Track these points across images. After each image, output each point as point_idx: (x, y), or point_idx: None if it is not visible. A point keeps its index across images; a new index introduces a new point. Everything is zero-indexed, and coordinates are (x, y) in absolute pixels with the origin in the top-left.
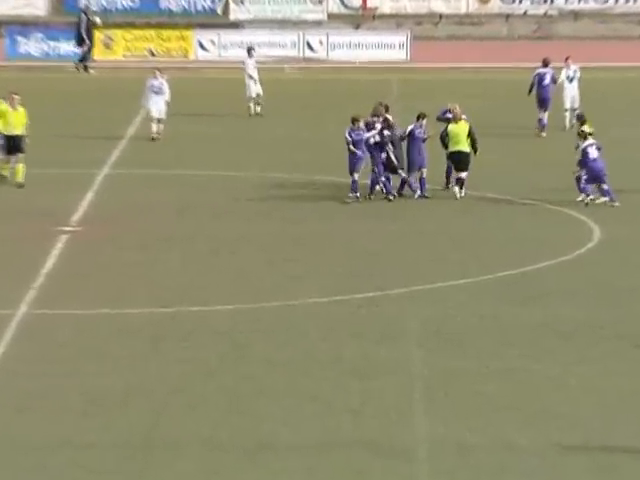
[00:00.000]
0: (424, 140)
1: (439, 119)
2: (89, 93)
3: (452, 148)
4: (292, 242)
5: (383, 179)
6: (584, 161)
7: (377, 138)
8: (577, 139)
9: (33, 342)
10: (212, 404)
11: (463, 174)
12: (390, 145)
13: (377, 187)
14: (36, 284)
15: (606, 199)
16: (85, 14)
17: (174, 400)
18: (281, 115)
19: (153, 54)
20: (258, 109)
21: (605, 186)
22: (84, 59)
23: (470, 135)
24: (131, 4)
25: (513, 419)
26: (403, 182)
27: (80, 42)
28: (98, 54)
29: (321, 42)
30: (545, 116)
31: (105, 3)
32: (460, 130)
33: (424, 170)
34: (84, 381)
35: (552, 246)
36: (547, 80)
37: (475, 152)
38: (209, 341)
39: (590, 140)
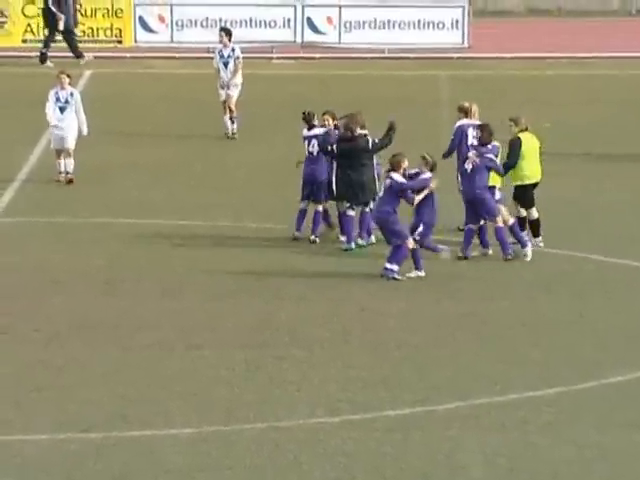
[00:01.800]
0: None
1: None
2: None
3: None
4: (283, 330)
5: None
6: None
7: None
8: None
9: None
10: None
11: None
12: None
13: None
14: None
15: None
16: None
17: None
18: (265, 133)
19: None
20: (234, 127)
21: None
22: (46, 42)
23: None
24: None
25: None
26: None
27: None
28: None
29: (330, 19)
30: None
31: None
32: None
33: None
34: None
35: None
36: None
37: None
38: None
39: None
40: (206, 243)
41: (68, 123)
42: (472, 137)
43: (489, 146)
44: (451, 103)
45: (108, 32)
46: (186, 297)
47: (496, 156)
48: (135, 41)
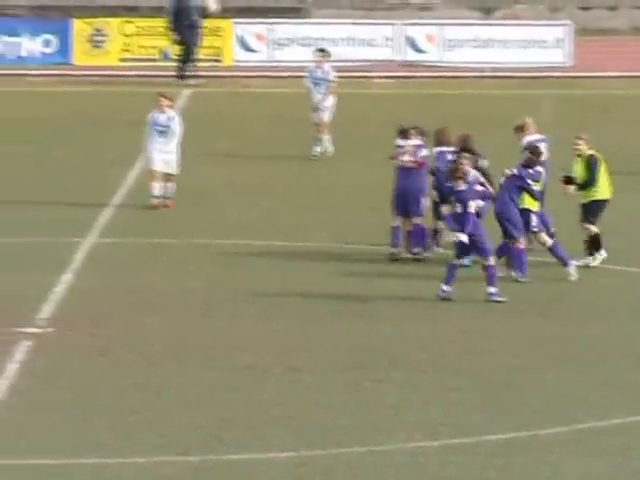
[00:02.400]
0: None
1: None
2: (63, 120)
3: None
4: (382, 353)
5: None
6: None
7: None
8: None
9: None
10: None
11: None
12: None
13: None
14: None
15: None
16: None
17: None
18: (363, 153)
19: (168, 57)
20: (329, 147)
21: None
22: (182, 63)
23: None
24: None
25: None
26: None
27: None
28: (81, 58)
29: (431, 38)
30: None
31: None
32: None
33: None
34: None
35: None
36: None
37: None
38: None
39: None
40: (303, 264)
41: (171, 148)
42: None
43: (531, 170)
44: (553, 123)
45: (208, 51)
46: (283, 319)
47: (536, 181)
48: (234, 60)
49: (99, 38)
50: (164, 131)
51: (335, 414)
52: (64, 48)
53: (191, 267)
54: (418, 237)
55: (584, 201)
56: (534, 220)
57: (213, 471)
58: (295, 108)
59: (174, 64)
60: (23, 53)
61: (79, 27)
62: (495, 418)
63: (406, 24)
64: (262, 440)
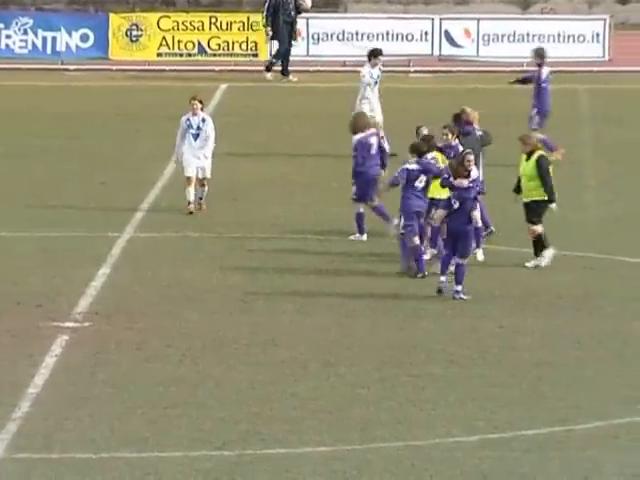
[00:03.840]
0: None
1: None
2: (100, 114)
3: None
4: (420, 348)
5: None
6: None
7: None
8: None
9: None
10: None
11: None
12: None
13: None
14: (18, 414)
15: None
16: None
17: None
18: (398, 148)
19: (205, 52)
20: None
21: None
22: (274, 58)
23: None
24: None
25: None
26: None
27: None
28: (118, 52)
29: (468, 32)
30: None
31: None
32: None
33: None
34: None
35: None
36: None
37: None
38: None
39: None
40: (341, 259)
41: (205, 152)
42: None
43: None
44: (591, 117)
45: (244, 46)
46: (320, 314)
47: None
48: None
49: (136, 32)
50: (198, 134)
51: (372, 409)
52: (101, 43)
53: (227, 262)
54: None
55: (525, 201)
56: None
57: (250, 466)
58: (332, 102)
59: (269, 59)
60: (61, 47)
61: (116, 22)
62: (532, 413)
63: (443, 18)
64: (299, 435)
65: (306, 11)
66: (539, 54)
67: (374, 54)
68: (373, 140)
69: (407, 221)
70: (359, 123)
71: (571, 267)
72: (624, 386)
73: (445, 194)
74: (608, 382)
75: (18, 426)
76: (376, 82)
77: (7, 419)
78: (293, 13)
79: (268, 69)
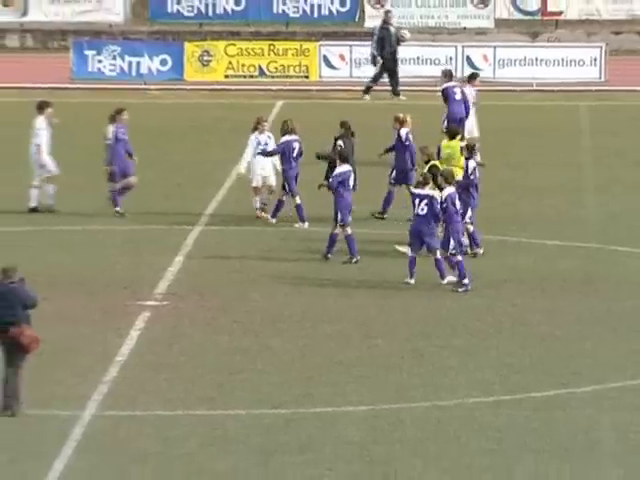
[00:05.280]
0: None
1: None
2: (176, 127)
3: None
4: (445, 323)
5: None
6: None
7: None
8: None
9: (103, 455)
10: None
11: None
12: None
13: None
14: (108, 378)
15: None
16: (385, 23)
17: None
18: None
19: (264, 74)
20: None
21: None
22: (373, 81)
23: None
24: (235, 8)
25: None
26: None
27: (373, 59)
28: (192, 74)
29: (486, 57)
30: None
31: (201, 7)
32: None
33: None
34: None
35: None
36: None
37: None
38: (336, 455)
39: None
40: (375, 249)
41: (270, 166)
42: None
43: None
44: (590, 131)
45: (297, 68)
46: (360, 295)
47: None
48: (320, 76)
49: (207, 58)
50: (264, 149)
51: (404, 375)
52: (178, 66)
53: (283, 252)
54: None
55: None
56: None
57: (302, 422)
58: (371, 117)
59: (368, 83)
60: (144, 70)
61: (190, 49)
62: (539, 378)
63: (465, 46)
64: (343, 396)
65: (405, 42)
66: (446, 74)
67: (473, 77)
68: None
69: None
70: None
71: (574, 256)
72: (618, 356)
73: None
74: (604, 352)
75: (108, 388)
76: (474, 102)
77: (99, 382)
78: (395, 44)
79: (366, 92)
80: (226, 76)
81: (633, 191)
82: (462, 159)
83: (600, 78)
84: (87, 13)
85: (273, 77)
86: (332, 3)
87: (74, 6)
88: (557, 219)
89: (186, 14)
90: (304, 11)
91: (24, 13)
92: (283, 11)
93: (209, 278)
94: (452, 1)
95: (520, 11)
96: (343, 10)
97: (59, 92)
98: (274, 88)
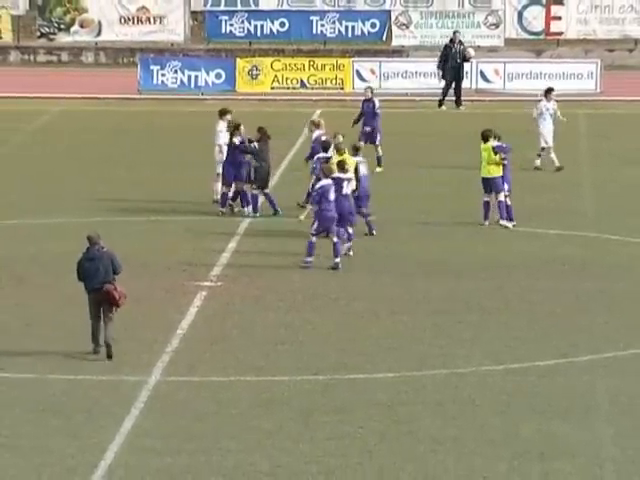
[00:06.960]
0: None
1: None
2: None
3: None
4: (461, 302)
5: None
6: None
7: None
8: None
9: (166, 415)
10: None
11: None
12: None
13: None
14: (170, 348)
15: None
16: (452, 42)
17: None
18: (416, 158)
19: (305, 86)
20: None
21: None
22: (443, 94)
23: None
24: (280, 29)
25: None
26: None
27: (444, 74)
28: (242, 86)
29: (497, 71)
30: None
31: (250, 28)
32: None
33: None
34: (224, 459)
35: None
36: None
37: None
38: (367, 415)
39: None
40: (403, 235)
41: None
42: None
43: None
44: (587, 135)
45: (333, 81)
46: (387, 275)
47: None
48: (353, 88)
49: (255, 72)
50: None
51: (426, 346)
52: (230, 79)
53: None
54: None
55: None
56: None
57: (338, 387)
58: (400, 124)
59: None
60: (201, 83)
61: (241, 64)
62: (543, 349)
63: (479, 62)
64: (373, 364)
65: (470, 59)
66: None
67: (549, 91)
68: None
69: None
70: None
71: (573, 243)
72: (611, 330)
73: (497, 173)
74: (599, 327)
75: (170, 357)
76: (551, 114)
77: (161, 352)
78: (459, 60)
79: (440, 104)
80: (272, 88)
81: (624, 187)
82: (496, 157)
83: (596, 89)
84: (152, 33)
85: (312, 88)
86: (364, 24)
87: (141, 27)
88: (558, 211)
89: (238, 34)
90: (339, 31)
91: (98, 33)
92: (321, 32)
93: (257, 262)
94: (468, 23)
95: (527, 32)
96: (373, 31)
97: (128, 102)
98: (313, 98)
